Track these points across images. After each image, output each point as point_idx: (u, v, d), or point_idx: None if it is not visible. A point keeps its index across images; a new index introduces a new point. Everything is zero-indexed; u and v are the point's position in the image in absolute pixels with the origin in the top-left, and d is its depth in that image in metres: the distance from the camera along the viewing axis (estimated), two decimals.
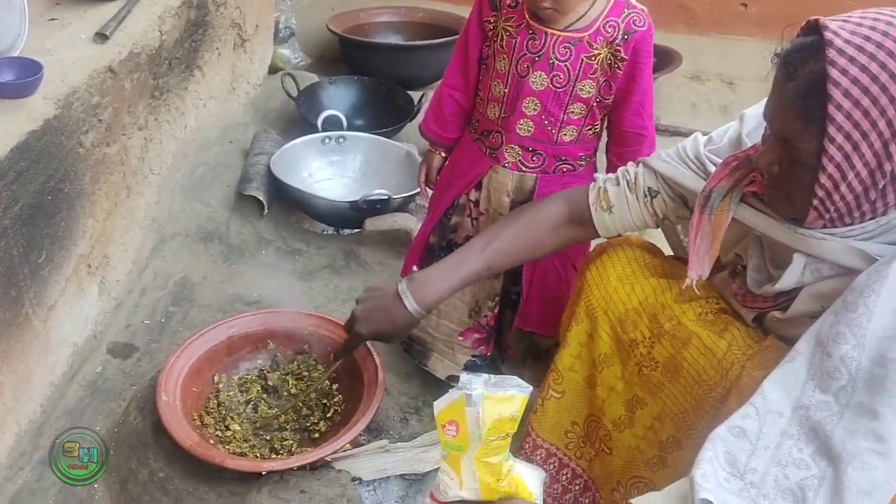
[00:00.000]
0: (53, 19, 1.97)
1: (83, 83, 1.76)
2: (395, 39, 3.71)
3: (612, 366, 1.48)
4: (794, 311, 1.27)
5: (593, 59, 1.59)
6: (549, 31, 1.59)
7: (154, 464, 1.54)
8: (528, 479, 1.17)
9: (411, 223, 2.41)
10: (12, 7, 1.77)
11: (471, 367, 1.90)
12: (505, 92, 1.67)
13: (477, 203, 1.80)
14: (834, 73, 1.03)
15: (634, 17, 1.58)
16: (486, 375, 1.09)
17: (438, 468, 1.58)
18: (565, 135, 1.68)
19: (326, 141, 2.71)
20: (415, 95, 3.09)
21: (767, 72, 1.17)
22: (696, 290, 1.33)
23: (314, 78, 3.22)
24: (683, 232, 2.03)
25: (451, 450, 1.11)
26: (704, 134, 1.43)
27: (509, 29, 1.63)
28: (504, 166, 1.73)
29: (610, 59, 1.60)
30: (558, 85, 1.62)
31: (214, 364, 1.73)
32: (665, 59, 3.51)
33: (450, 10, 3.73)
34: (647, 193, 1.44)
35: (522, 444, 1.68)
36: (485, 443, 1.08)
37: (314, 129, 2.78)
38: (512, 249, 1.51)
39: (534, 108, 1.66)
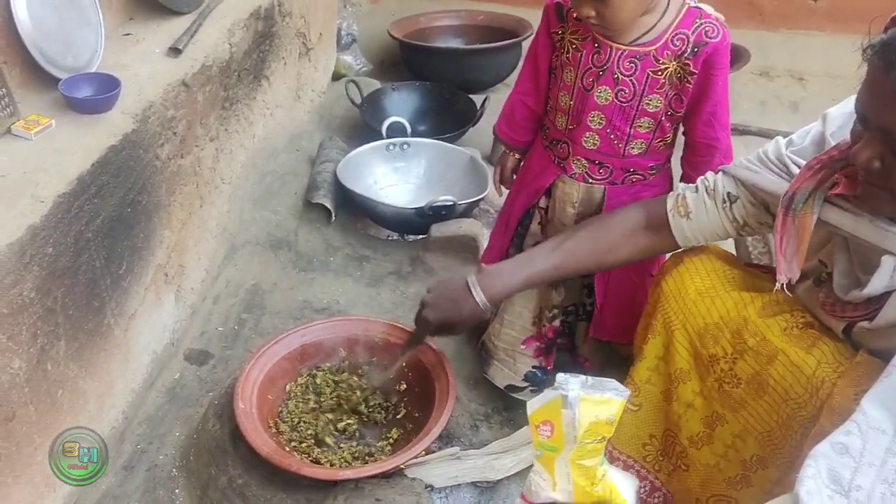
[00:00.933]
0: (128, 34, 2.02)
1: (158, 97, 1.80)
2: (455, 43, 3.72)
3: (690, 381, 1.44)
4: (882, 319, 1.22)
5: (660, 73, 1.53)
6: (615, 45, 1.53)
7: (233, 470, 1.57)
8: (622, 485, 1.16)
9: (476, 228, 2.41)
10: (88, 23, 1.83)
11: (530, 378, 1.90)
12: (571, 104, 1.63)
13: (546, 210, 1.79)
14: None
15: (707, 28, 1.49)
16: (582, 377, 1.08)
17: (513, 475, 1.59)
18: (633, 148, 1.63)
19: (391, 147, 2.73)
20: (477, 99, 3.09)
21: (859, 65, 1.12)
22: (786, 293, 1.30)
23: (376, 84, 3.24)
24: (754, 245, 1.98)
25: (545, 450, 1.10)
26: (785, 136, 1.39)
27: (575, 42, 1.59)
28: (571, 177, 1.70)
29: (679, 73, 1.53)
30: (623, 100, 1.57)
31: (287, 372, 1.76)
32: (733, 56, 3.38)
33: (510, 13, 3.72)
34: (725, 199, 1.41)
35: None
36: (580, 445, 1.07)
37: (378, 136, 2.80)
38: (583, 252, 1.50)
39: (599, 122, 1.61)
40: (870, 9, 1.18)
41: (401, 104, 3.14)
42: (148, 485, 1.68)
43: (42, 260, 1.40)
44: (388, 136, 2.79)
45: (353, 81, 3.06)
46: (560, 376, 1.08)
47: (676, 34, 1.50)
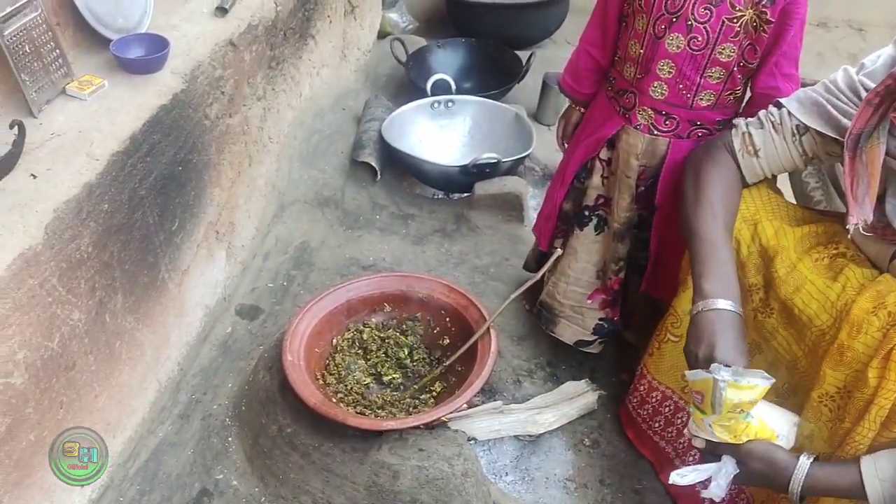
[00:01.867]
0: None
1: (206, 57, 1.83)
2: None
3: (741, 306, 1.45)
4: None
5: (735, 21, 1.47)
6: None
7: (282, 420, 1.63)
8: (773, 421, 1.30)
9: (521, 186, 2.40)
10: None
11: (599, 331, 1.88)
12: (640, 52, 1.58)
13: (609, 162, 1.75)
14: None
15: None
16: (733, 367, 1.22)
17: (554, 429, 1.65)
18: (701, 99, 1.58)
19: (436, 105, 2.73)
20: (523, 56, 3.05)
21: None
22: (864, 233, 1.30)
23: (422, 42, 3.23)
24: (807, 180, 1.94)
25: (696, 409, 1.28)
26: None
27: None
28: (636, 128, 1.65)
29: (755, 21, 1.47)
30: (695, 48, 1.51)
31: (334, 326, 1.80)
32: None
33: None
34: (794, 132, 1.40)
35: (637, 385, 1.68)
36: (723, 416, 1.24)
37: (423, 94, 2.79)
38: (731, 207, 1.46)
39: (668, 71, 1.56)
40: None
41: (446, 61, 3.12)
42: (203, 433, 1.75)
43: (98, 216, 1.45)
44: (433, 94, 2.78)
45: (399, 39, 3.05)
46: (714, 365, 1.23)
47: None
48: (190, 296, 1.88)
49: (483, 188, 2.39)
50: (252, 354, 1.92)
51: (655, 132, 1.64)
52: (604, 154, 1.75)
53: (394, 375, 1.74)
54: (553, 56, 3.25)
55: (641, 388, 1.66)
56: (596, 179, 1.78)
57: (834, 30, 3.62)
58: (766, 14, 1.45)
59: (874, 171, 1.23)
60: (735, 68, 1.53)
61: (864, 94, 1.28)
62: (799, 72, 1.55)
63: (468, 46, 3.20)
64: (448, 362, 1.72)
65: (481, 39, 3.21)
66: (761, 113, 1.45)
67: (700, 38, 1.50)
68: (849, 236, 1.34)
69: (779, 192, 1.54)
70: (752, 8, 1.45)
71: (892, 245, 1.31)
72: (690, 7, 1.48)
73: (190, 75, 1.75)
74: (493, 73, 3.08)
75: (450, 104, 2.74)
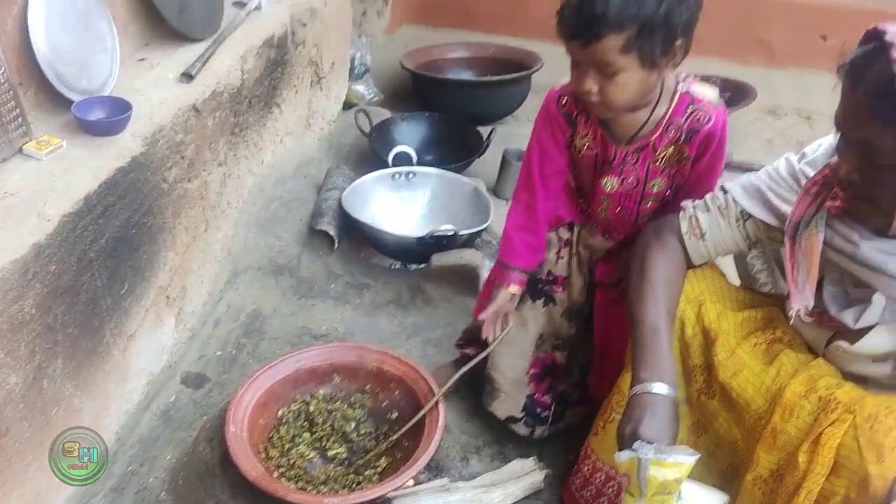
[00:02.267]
0: (143, 60, 2.07)
1: (169, 121, 1.84)
2: (466, 75, 3.76)
3: (678, 389, 1.46)
4: (864, 347, 1.28)
5: (659, 161, 1.60)
6: (619, 147, 1.60)
7: (220, 495, 1.58)
8: (703, 502, 1.28)
9: (477, 259, 2.42)
10: (105, 48, 1.89)
11: (525, 408, 1.89)
12: (581, 188, 1.73)
13: (567, 241, 1.81)
14: None
15: (699, 115, 1.53)
16: (655, 444, 1.23)
17: None
18: (643, 219, 1.70)
19: (396, 177, 2.76)
20: (484, 131, 3.13)
21: (833, 85, 1.18)
22: (803, 319, 1.34)
23: (387, 114, 3.29)
24: (753, 263, 2.00)
25: (627, 494, 1.27)
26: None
27: (584, 144, 1.65)
28: (593, 226, 1.78)
29: (676, 156, 1.59)
30: (629, 187, 1.64)
31: (281, 397, 1.77)
32: (740, 94, 3.45)
33: (521, 46, 3.77)
34: (738, 217, 1.44)
35: (581, 465, 1.67)
36: (651, 499, 1.22)
37: (385, 165, 2.83)
38: (676, 293, 1.49)
39: (608, 204, 1.69)
40: None
41: (409, 134, 3.18)
42: None
43: (45, 277, 1.43)
44: (395, 165, 2.82)
45: (364, 111, 3.11)
46: (637, 443, 1.24)
47: (670, 124, 1.55)
48: (134, 362, 1.84)
49: (440, 260, 2.40)
50: (194, 425, 1.87)
51: (607, 236, 1.77)
52: (563, 233, 1.80)
53: (339, 450, 1.71)
54: (513, 133, 3.33)
55: (585, 468, 1.66)
56: (550, 254, 1.82)
57: (784, 117, 3.76)
58: (685, 151, 1.57)
59: (813, 259, 1.28)
60: (668, 193, 1.66)
61: (804, 182, 1.34)
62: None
63: (431, 120, 3.27)
64: (394, 437, 1.70)
65: (444, 114, 3.29)
66: (708, 196, 1.50)
67: (631, 179, 1.63)
68: (790, 322, 1.38)
69: (722, 274, 1.58)
70: (672, 146, 1.57)
71: (829, 330, 1.36)
72: (621, 158, 1.60)
73: (150, 139, 1.77)
74: (454, 147, 3.14)
75: (410, 176, 2.78)
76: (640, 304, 1.44)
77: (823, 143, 1.37)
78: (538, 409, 1.90)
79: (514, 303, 1.79)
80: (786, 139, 3.61)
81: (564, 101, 1.63)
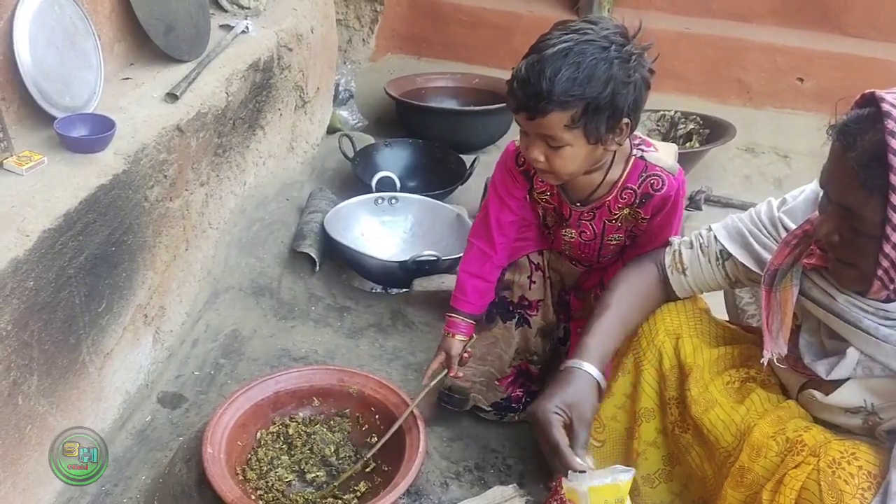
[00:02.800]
0: (127, 79, 2.07)
1: (152, 140, 1.84)
2: (450, 104, 3.79)
3: (654, 419, 1.50)
4: (836, 399, 1.29)
5: (615, 219, 1.66)
6: (574, 207, 1.66)
7: None
8: None
9: None
10: (89, 66, 1.88)
11: (496, 406, 1.95)
12: (549, 227, 1.80)
13: (538, 266, 1.85)
14: (895, 143, 1.05)
15: (652, 181, 1.58)
16: (590, 472, 1.26)
17: None
18: (605, 259, 1.78)
19: (379, 201, 2.77)
20: (467, 159, 3.15)
21: (823, 143, 1.19)
22: (776, 365, 1.36)
23: (370, 139, 3.30)
24: (740, 296, 2.03)
25: None
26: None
27: (541, 199, 1.72)
28: (559, 252, 1.84)
29: (632, 216, 1.64)
30: (586, 239, 1.72)
31: (260, 418, 1.74)
32: (719, 131, 3.51)
33: (504, 77, 3.80)
34: (718, 256, 1.47)
35: (557, 487, 1.66)
36: None
37: (368, 190, 2.84)
38: (636, 319, 1.54)
39: (569, 249, 1.78)
40: (856, 89, 1.22)
41: (392, 160, 3.19)
42: None
43: (22, 293, 1.41)
44: (378, 191, 2.83)
45: (347, 136, 3.12)
46: (571, 473, 1.27)
47: (625, 189, 1.60)
48: (110, 381, 1.81)
49: (421, 284, 2.41)
50: (171, 445, 1.84)
51: (574, 262, 1.84)
52: (534, 258, 1.83)
53: (317, 473, 1.69)
54: (496, 161, 3.35)
55: (563, 490, 1.65)
56: (522, 279, 1.85)
57: (761, 155, 3.83)
58: (640, 213, 1.62)
59: (787, 310, 1.30)
60: (626, 242, 1.72)
61: (781, 230, 1.37)
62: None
63: (415, 147, 3.29)
64: (369, 454, 1.68)
65: (428, 141, 3.31)
66: (693, 234, 1.53)
67: (588, 233, 1.70)
68: (763, 365, 1.39)
69: (705, 309, 1.59)
70: (626, 208, 1.62)
71: (803, 377, 1.37)
72: (577, 216, 1.67)
73: (133, 157, 1.76)
74: (437, 174, 3.16)
75: (393, 201, 2.78)
76: (598, 303, 1.53)
77: (805, 191, 1.39)
78: (512, 405, 1.96)
79: (461, 348, 1.80)
80: (763, 176, 3.67)
81: (522, 161, 1.67)
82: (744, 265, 1.44)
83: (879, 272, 1.12)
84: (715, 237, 1.48)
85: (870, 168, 1.07)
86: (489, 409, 1.96)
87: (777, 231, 1.38)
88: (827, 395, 1.30)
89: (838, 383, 1.28)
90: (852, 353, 1.24)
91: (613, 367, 1.59)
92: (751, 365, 1.45)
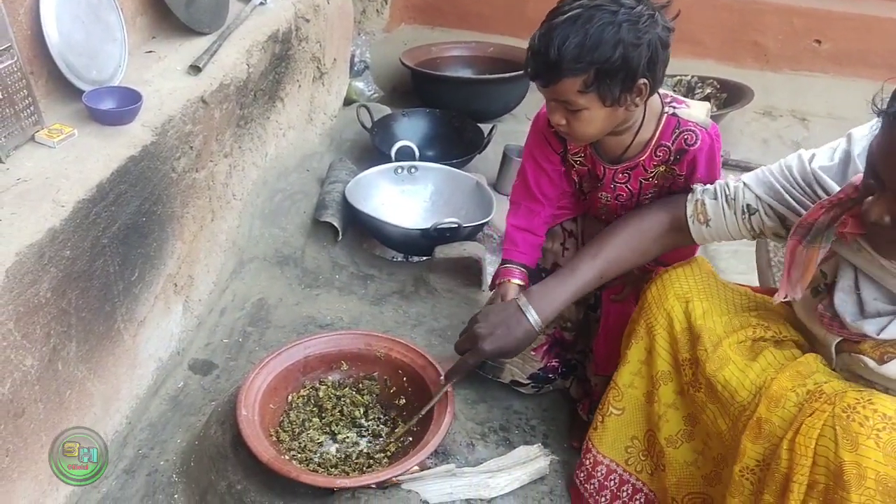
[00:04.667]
0: (151, 52, 2.09)
1: (178, 112, 1.86)
2: (465, 73, 3.80)
3: (672, 382, 1.52)
4: (891, 371, 1.27)
5: (651, 178, 1.66)
6: (607, 166, 1.66)
7: (232, 476, 1.60)
8: None
9: (479, 251, 2.45)
10: (114, 39, 1.90)
11: (534, 377, 1.96)
12: (585, 193, 1.80)
13: (571, 233, 1.87)
14: None
15: (686, 137, 1.58)
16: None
17: (506, 493, 1.65)
18: None
19: (399, 171, 2.79)
20: (484, 128, 3.16)
21: (874, 121, 1.16)
22: (804, 317, 1.37)
23: (387, 110, 3.31)
24: (776, 250, 2.03)
25: None
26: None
27: (575, 161, 1.72)
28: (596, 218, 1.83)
29: (668, 173, 1.64)
30: (622, 201, 1.72)
31: (290, 382, 1.79)
32: (736, 95, 3.50)
33: (519, 45, 3.80)
34: (745, 210, 1.47)
35: (583, 459, 1.70)
36: None
37: (387, 159, 2.86)
38: (621, 257, 1.59)
39: (605, 212, 1.78)
40: (873, 51, 1.21)
41: (410, 129, 3.20)
42: (148, 489, 1.71)
43: (59, 262, 1.45)
44: (397, 160, 2.84)
45: (365, 106, 3.13)
46: None
47: (659, 146, 1.61)
48: (144, 348, 1.86)
49: (443, 252, 2.43)
50: (203, 410, 1.89)
51: None
52: (567, 225, 1.84)
53: (348, 434, 1.73)
54: (513, 129, 3.36)
55: (587, 462, 1.69)
56: (556, 246, 1.86)
57: (779, 118, 3.81)
58: (675, 170, 1.62)
59: (810, 267, 1.31)
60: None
61: (817, 187, 1.35)
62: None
63: (432, 116, 3.29)
64: (408, 426, 1.72)
65: (445, 110, 3.31)
66: (718, 184, 1.53)
67: (624, 195, 1.70)
68: (774, 301, 1.40)
69: (714, 273, 1.59)
70: (662, 165, 1.62)
71: (837, 336, 1.35)
72: (610, 176, 1.66)
73: (160, 129, 1.78)
74: (455, 143, 3.17)
75: (413, 170, 2.80)
76: (584, 247, 1.60)
77: (837, 149, 1.36)
78: (549, 375, 1.97)
79: (517, 292, 1.79)
80: (781, 139, 3.65)
81: None
82: (771, 221, 1.44)
83: None
84: (744, 186, 1.46)
85: None
86: (527, 381, 1.97)
87: (811, 188, 1.36)
88: (877, 360, 1.28)
89: (887, 348, 1.26)
90: None
91: (626, 336, 1.61)
92: (761, 325, 1.46)
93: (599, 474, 1.67)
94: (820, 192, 1.35)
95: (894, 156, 1.11)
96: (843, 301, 1.31)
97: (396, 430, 1.74)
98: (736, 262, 2.55)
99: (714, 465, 1.48)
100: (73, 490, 1.62)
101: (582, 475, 1.73)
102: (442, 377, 1.72)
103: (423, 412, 1.70)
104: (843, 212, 1.26)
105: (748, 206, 1.46)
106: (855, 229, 1.23)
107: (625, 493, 1.65)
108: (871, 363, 1.29)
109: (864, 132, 1.31)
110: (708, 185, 1.55)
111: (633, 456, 1.62)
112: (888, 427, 1.16)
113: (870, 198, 1.18)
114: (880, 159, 1.14)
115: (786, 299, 1.37)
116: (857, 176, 1.26)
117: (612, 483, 1.66)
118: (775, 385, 1.32)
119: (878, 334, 1.25)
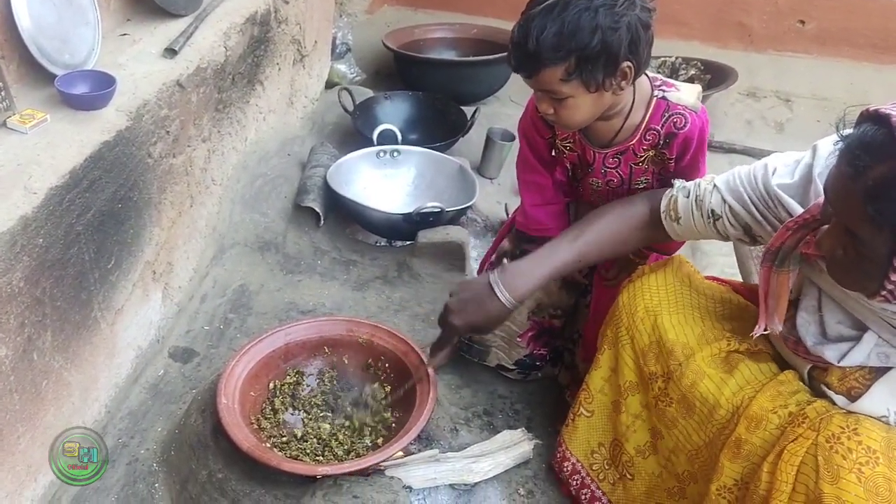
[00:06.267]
0: (125, 35, 2.04)
1: (153, 96, 1.83)
2: (449, 55, 3.76)
3: (638, 393, 1.49)
4: (860, 408, 1.23)
5: (641, 162, 1.65)
6: (597, 150, 1.65)
7: (213, 465, 1.59)
8: None
9: (463, 236, 2.44)
10: (86, 22, 1.86)
11: (520, 364, 1.95)
12: (578, 180, 1.79)
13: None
14: None
15: (675, 120, 1.57)
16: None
17: (490, 478, 1.65)
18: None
19: (381, 154, 2.76)
20: (468, 110, 3.13)
21: (830, 153, 1.13)
22: (779, 346, 1.33)
23: (369, 93, 3.28)
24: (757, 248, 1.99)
25: None
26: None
27: (565, 146, 1.71)
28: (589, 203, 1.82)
29: (658, 157, 1.64)
30: (613, 186, 1.70)
31: (272, 369, 1.77)
32: (720, 76, 3.48)
33: (503, 27, 3.77)
34: (710, 215, 1.44)
35: (554, 453, 1.70)
36: None
37: (369, 143, 2.83)
38: (602, 242, 1.55)
39: (597, 198, 1.76)
40: (856, 31, 1.18)
41: (393, 113, 3.17)
42: (128, 478, 1.69)
43: (32, 250, 1.42)
44: (379, 144, 2.82)
45: (346, 89, 3.10)
46: None
47: (648, 129, 1.60)
48: (122, 336, 1.83)
49: (426, 236, 2.41)
50: (184, 398, 1.87)
51: None
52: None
53: (331, 421, 1.72)
54: (497, 112, 3.34)
55: (557, 455, 1.69)
56: None
57: (763, 99, 3.81)
58: (665, 154, 1.61)
59: (783, 293, 1.27)
60: (654, 185, 1.70)
61: (779, 207, 1.29)
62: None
63: (415, 99, 3.26)
64: (393, 399, 1.73)
65: (428, 93, 3.28)
66: (695, 182, 1.49)
67: (615, 181, 1.69)
68: (753, 335, 1.34)
69: (692, 273, 1.56)
70: (652, 150, 1.62)
71: (807, 361, 1.31)
72: (601, 160, 1.65)
73: (135, 113, 1.75)
74: (438, 126, 3.14)
75: (395, 154, 2.78)
76: (568, 229, 1.57)
77: (800, 165, 1.29)
78: (537, 363, 1.97)
79: None
80: (764, 120, 3.65)
81: None
82: (734, 229, 1.40)
83: (884, 292, 1.07)
84: (714, 189, 1.42)
85: (879, 202, 0.99)
86: (513, 367, 1.97)
87: (772, 202, 1.31)
88: (846, 396, 1.24)
89: (853, 382, 1.24)
90: (869, 338, 1.19)
91: (599, 338, 1.60)
92: (738, 338, 1.41)
93: (566, 470, 1.68)
94: (781, 211, 1.30)
95: (843, 194, 1.05)
96: (806, 322, 1.28)
97: (373, 402, 1.73)
98: (720, 244, 2.54)
99: (677, 480, 1.46)
100: (51, 481, 1.60)
101: (554, 463, 1.73)
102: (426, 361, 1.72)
103: (401, 391, 1.70)
104: (807, 233, 1.22)
105: (713, 210, 1.42)
106: (816, 251, 1.19)
107: (584, 497, 1.65)
108: (841, 400, 1.25)
109: (829, 148, 1.23)
110: (686, 183, 1.50)
111: (598, 462, 1.61)
112: (871, 461, 1.13)
113: (825, 226, 1.14)
114: (832, 189, 1.09)
115: (765, 332, 1.33)
116: (821, 198, 1.19)
117: (575, 483, 1.66)
118: (755, 405, 1.28)
119: (837, 361, 1.22)
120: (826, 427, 1.19)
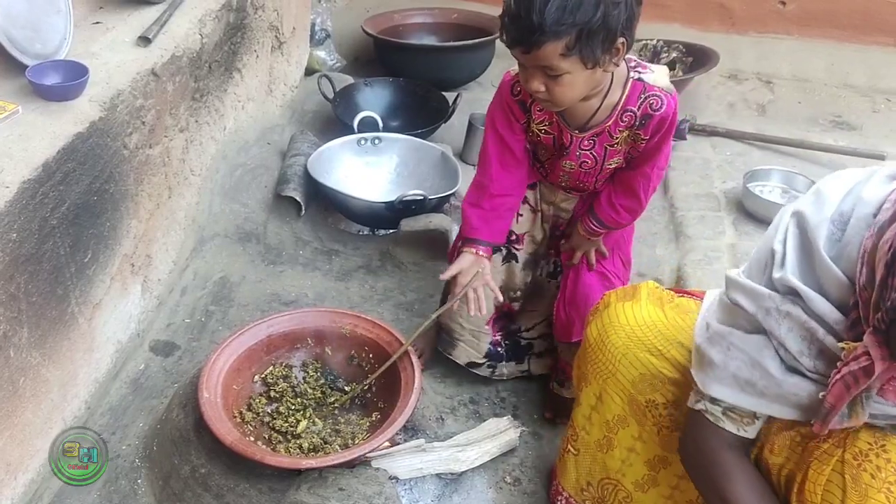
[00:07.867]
0: (97, 23, 2.00)
1: (127, 86, 1.79)
2: (429, 41, 3.73)
3: (629, 426, 1.42)
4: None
5: (616, 143, 1.64)
6: (574, 134, 1.63)
7: (196, 460, 1.57)
8: None
9: (446, 223, 2.42)
10: (58, 11, 1.82)
11: (489, 354, 1.95)
12: (540, 159, 1.77)
13: (525, 200, 1.84)
14: None
15: (651, 101, 1.57)
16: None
17: (476, 466, 1.63)
18: (601, 183, 1.75)
19: (362, 142, 2.73)
20: (449, 96, 3.10)
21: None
22: None
23: (350, 80, 3.24)
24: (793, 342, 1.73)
25: None
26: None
27: (540, 129, 1.68)
28: (551, 183, 1.81)
29: (632, 137, 1.63)
30: (586, 168, 1.69)
31: (254, 362, 1.75)
32: (702, 59, 3.47)
33: (484, 11, 3.74)
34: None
35: (550, 483, 1.69)
36: None
37: (350, 131, 2.80)
38: None
39: (567, 179, 1.75)
40: (837, 12, 1.17)
41: (373, 99, 3.14)
42: (110, 474, 1.67)
43: (5, 246, 1.39)
44: (360, 131, 2.79)
45: (326, 76, 3.06)
46: None
47: (625, 111, 1.58)
48: (101, 331, 1.81)
49: (409, 225, 2.39)
50: (165, 392, 1.85)
51: (568, 192, 1.81)
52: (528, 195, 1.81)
53: (315, 413, 1.71)
54: (478, 98, 3.32)
55: (552, 488, 1.68)
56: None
57: (744, 82, 3.80)
58: (640, 134, 1.61)
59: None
60: (623, 165, 1.70)
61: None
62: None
63: (396, 86, 3.23)
64: (370, 380, 1.72)
65: (408, 79, 3.25)
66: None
67: (589, 162, 1.68)
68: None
69: (659, 301, 1.44)
70: (627, 131, 1.61)
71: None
72: (577, 143, 1.64)
73: (109, 104, 1.72)
74: (420, 112, 3.11)
75: (377, 141, 2.75)
76: None
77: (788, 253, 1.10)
78: (498, 349, 1.96)
79: (479, 265, 1.75)
80: (746, 103, 3.64)
81: (518, 90, 1.64)
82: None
83: None
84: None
85: None
86: (482, 360, 1.95)
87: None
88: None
89: None
90: None
91: (578, 376, 1.51)
92: None
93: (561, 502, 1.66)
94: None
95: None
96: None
97: (351, 391, 1.73)
98: (703, 228, 2.54)
99: None
100: (32, 478, 1.58)
101: (550, 495, 1.71)
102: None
103: (380, 370, 1.70)
104: (868, 379, 1.01)
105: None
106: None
107: None
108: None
109: (825, 214, 1.07)
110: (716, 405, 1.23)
111: (589, 499, 1.57)
112: None
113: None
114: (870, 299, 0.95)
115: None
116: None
117: None
118: (775, 426, 1.20)
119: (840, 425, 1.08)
120: (853, 443, 1.11)
